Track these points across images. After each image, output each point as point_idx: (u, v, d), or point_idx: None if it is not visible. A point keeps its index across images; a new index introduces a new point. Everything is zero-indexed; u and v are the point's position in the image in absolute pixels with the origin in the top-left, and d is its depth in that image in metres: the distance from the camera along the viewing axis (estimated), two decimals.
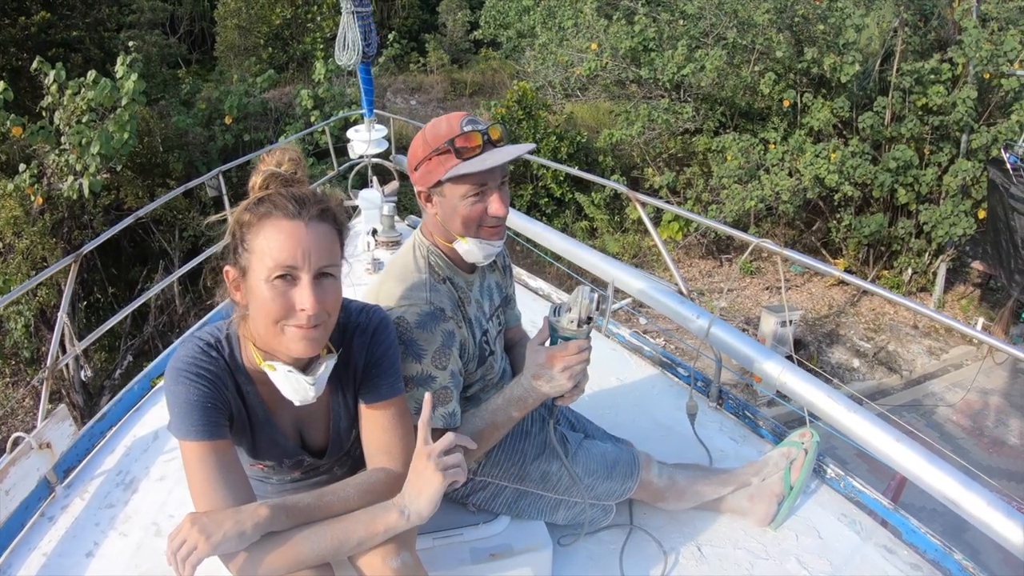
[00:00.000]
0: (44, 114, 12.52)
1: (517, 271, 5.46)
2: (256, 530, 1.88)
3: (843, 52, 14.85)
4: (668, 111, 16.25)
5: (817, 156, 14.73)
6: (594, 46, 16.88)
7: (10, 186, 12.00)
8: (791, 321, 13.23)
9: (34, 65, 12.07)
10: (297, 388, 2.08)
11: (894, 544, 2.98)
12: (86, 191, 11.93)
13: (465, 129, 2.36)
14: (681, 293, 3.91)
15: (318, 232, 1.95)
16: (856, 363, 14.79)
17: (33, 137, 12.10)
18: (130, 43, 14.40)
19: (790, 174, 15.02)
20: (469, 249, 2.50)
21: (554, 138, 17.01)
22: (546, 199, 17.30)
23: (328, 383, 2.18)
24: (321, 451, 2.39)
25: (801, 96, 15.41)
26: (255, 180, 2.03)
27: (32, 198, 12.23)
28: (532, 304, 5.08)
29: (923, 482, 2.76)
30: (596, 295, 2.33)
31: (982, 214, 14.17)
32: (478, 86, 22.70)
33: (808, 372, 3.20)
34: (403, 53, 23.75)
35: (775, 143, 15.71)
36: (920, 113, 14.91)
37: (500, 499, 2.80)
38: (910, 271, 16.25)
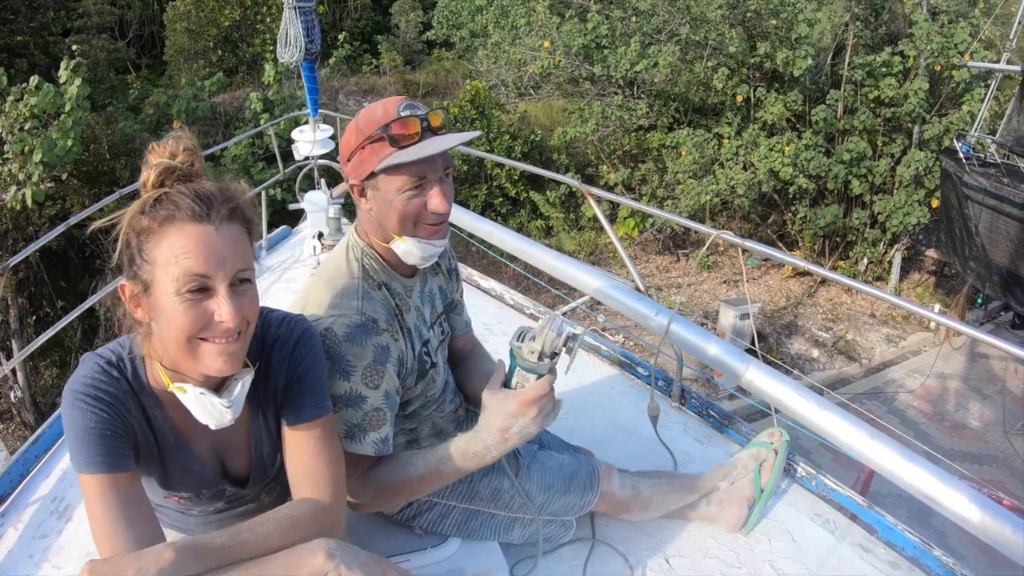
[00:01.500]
0: None
1: (467, 271, 5.28)
2: None
3: (795, 46, 14.96)
4: (622, 108, 16.28)
5: (771, 150, 14.86)
6: (547, 44, 16.86)
7: None
8: (750, 314, 13.20)
9: None
10: (211, 411, 1.83)
11: (870, 543, 2.86)
12: (29, 201, 11.70)
13: (402, 114, 2.09)
14: (639, 290, 3.77)
15: (230, 234, 1.71)
16: (815, 353, 14.85)
17: None
18: (75, 47, 14.20)
19: (745, 168, 15.11)
20: (407, 250, 2.22)
21: (508, 137, 16.96)
22: (501, 199, 17.22)
23: (247, 403, 1.96)
24: (244, 479, 2.13)
25: (754, 91, 15.53)
26: (146, 176, 1.75)
27: None
28: (484, 305, 4.89)
29: (898, 478, 2.64)
30: (566, 332, 2.08)
31: (935, 203, 14.35)
32: (431, 87, 22.53)
33: (773, 368, 3.07)
34: (355, 55, 23.67)
35: (729, 138, 15.77)
36: (872, 105, 15.12)
37: (449, 520, 2.59)
38: (866, 261, 16.42)
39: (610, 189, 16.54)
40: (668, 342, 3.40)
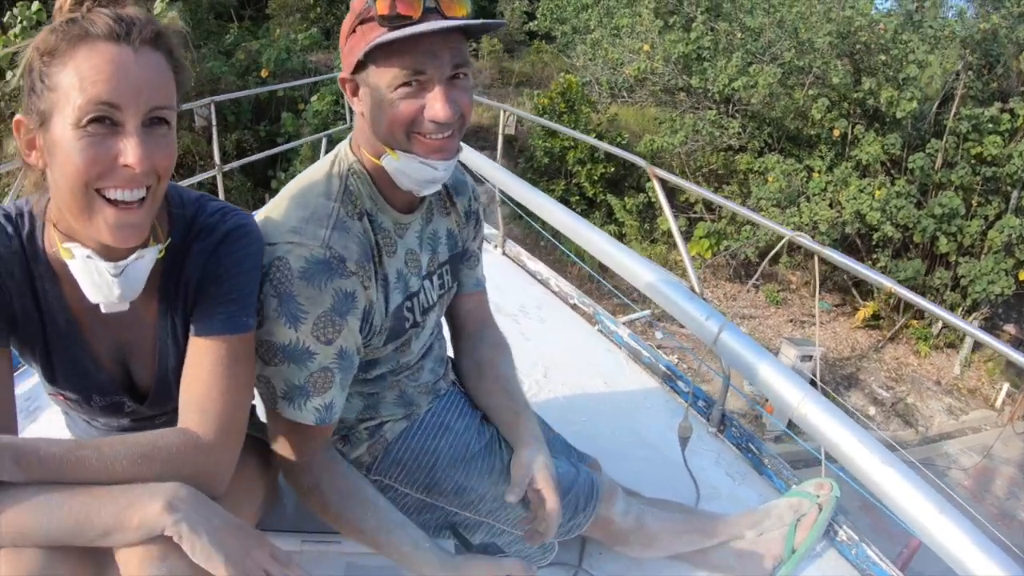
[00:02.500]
0: None
1: (515, 249, 4.87)
2: None
3: (902, 87, 14.43)
4: (714, 124, 15.84)
5: (861, 191, 14.35)
6: (646, 47, 16.41)
7: None
8: (814, 357, 12.68)
9: None
10: (98, 283, 1.46)
11: None
12: None
13: None
14: (693, 291, 3.27)
15: (151, 62, 1.36)
16: (872, 411, 14.23)
17: None
18: None
19: (831, 205, 14.58)
20: (399, 168, 1.74)
21: (594, 135, 16.36)
22: (577, 197, 16.80)
23: (156, 300, 1.61)
24: (148, 395, 1.75)
25: (853, 127, 15.02)
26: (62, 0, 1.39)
27: None
28: (527, 287, 4.45)
29: (962, 566, 2.13)
30: None
31: (1023, 275, 13.64)
32: (526, 77, 22.16)
33: (835, 406, 2.56)
34: None
35: (820, 171, 15.22)
36: (973, 162, 14.61)
37: (399, 506, 2.05)
38: (940, 324, 15.62)
39: (690, 206, 16.13)
40: (715, 354, 2.91)
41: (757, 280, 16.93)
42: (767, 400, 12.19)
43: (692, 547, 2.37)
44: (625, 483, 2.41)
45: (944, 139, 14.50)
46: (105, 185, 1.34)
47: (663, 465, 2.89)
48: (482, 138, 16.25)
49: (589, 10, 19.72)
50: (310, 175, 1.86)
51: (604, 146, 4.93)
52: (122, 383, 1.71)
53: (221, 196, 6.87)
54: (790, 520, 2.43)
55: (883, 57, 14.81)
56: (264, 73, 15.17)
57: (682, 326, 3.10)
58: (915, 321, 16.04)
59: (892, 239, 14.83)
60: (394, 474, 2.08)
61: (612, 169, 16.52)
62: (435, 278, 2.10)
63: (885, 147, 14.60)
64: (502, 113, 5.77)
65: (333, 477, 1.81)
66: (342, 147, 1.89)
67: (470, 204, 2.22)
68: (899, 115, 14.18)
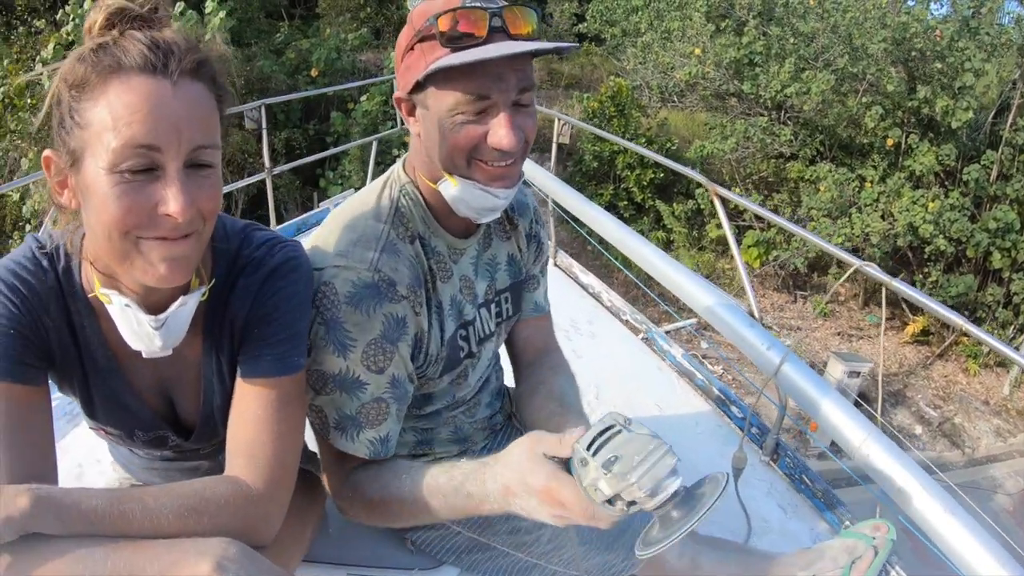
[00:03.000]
0: None
1: (568, 261, 4.79)
2: (8, 526, 1.19)
3: (957, 96, 14.10)
4: (766, 131, 15.66)
5: (914, 203, 14.10)
6: (697, 51, 16.26)
7: None
8: (861, 373, 12.47)
9: None
10: (138, 332, 1.38)
11: None
12: None
13: (467, 4, 1.51)
14: (752, 317, 3.16)
15: (192, 96, 1.24)
16: (919, 430, 13.95)
17: None
18: None
19: (883, 217, 14.32)
20: (457, 196, 1.64)
21: (644, 141, 16.41)
22: (626, 202, 16.77)
23: (202, 338, 1.53)
24: (192, 429, 1.67)
25: (906, 136, 14.75)
26: (94, 19, 1.26)
27: None
28: (578, 301, 4.38)
29: None
30: (675, 485, 1.27)
31: None
32: (575, 79, 22.14)
33: (897, 446, 2.44)
34: None
35: (872, 181, 14.98)
36: None
37: (449, 544, 2.04)
38: None
39: (739, 214, 15.99)
40: (774, 384, 2.82)
41: (805, 292, 16.70)
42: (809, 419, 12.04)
43: None
44: None
45: (1000, 150, 14.24)
46: (145, 235, 1.25)
47: None
48: (535, 142, 16.08)
49: (639, 13, 19.51)
50: (361, 198, 1.77)
51: (658, 158, 4.84)
52: (166, 418, 1.64)
53: (270, 198, 6.88)
54: (844, 563, 2.31)
55: (939, 65, 14.51)
56: (314, 72, 15.27)
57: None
58: (965, 338, 15.71)
59: (944, 253, 14.55)
60: None
61: (661, 175, 16.44)
62: (492, 307, 2.00)
63: (939, 158, 14.35)
64: (556, 122, 5.66)
65: (358, 477, 1.68)
66: (395, 169, 1.81)
67: (531, 227, 2.11)
68: (954, 125, 13.91)
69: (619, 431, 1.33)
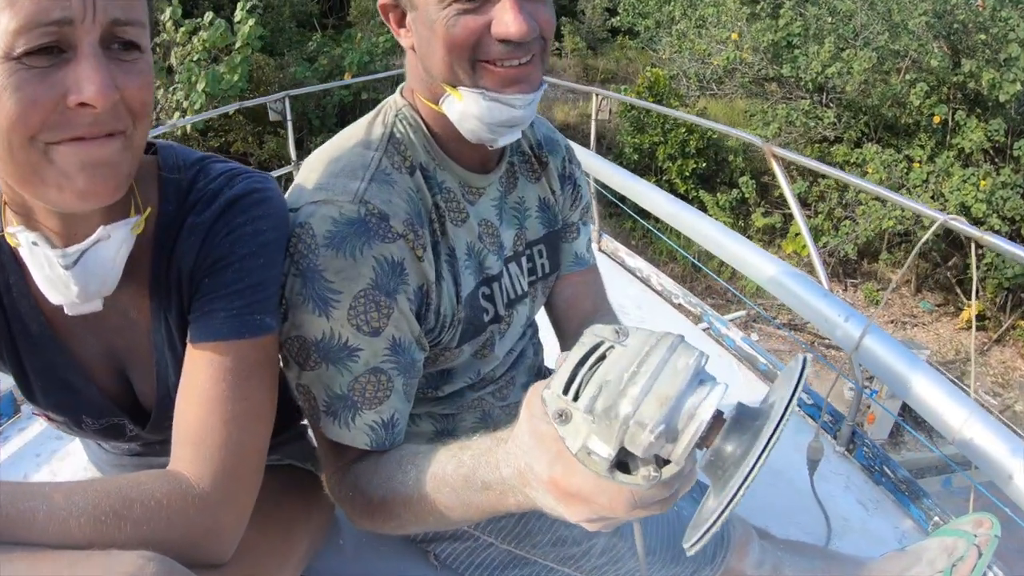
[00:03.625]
0: (158, 50, 12.47)
1: (613, 245, 4.50)
2: None
3: (1004, 68, 13.63)
4: (808, 115, 15.29)
5: (965, 181, 13.67)
6: (734, 36, 15.99)
7: None
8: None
9: None
10: (51, 277, 1.09)
11: None
12: (188, 128, 11.96)
13: None
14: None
15: None
16: None
17: None
18: None
19: (933, 197, 13.93)
20: (465, 111, 1.32)
21: (684, 131, 16.08)
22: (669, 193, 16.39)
23: (149, 297, 1.23)
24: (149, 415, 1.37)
25: (953, 113, 14.30)
26: None
27: None
28: (625, 286, 4.08)
29: None
30: (717, 393, 0.80)
31: None
32: (612, 74, 22.07)
33: (1006, 427, 2.11)
34: None
35: (920, 162, 14.54)
36: None
37: (481, 560, 1.72)
38: None
39: (784, 202, 15.69)
40: (854, 362, 2.51)
41: (855, 280, 16.33)
42: (868, 407, 11.69)
43: None
44: (750, 517, 2.04)
45: None
46: (56, 138, 0.96)
47: (788, 493, 2.51)
48: (570, 137, 15.95)
49: (672, 2, 19.29)
50: (348, 129, 1.47)
51: (713, 124, 4.56)
52: (120, 401, 1.34)
53: None
54: (944, 566, 2.01)
55: (982, 36, 14.04)
56: (347, 76, 15.23)
57: (793, 327, 2.69)
58: (1022, 322, 15.30)
59: (999, 232, 14.14)
60: (482, 521, 1.66)
61: (704, 164, 16.19)
62: (524, 261, 1.68)
63: (988, 133, 13.88)
64: (594, 97, 5.39)
65: (356, 472, 1.33)
66: (392, 97, 1.50)
67: (564, 166, 1.78)
68: (1002, 98, 13.42)
69: (610, 348, 0.85)
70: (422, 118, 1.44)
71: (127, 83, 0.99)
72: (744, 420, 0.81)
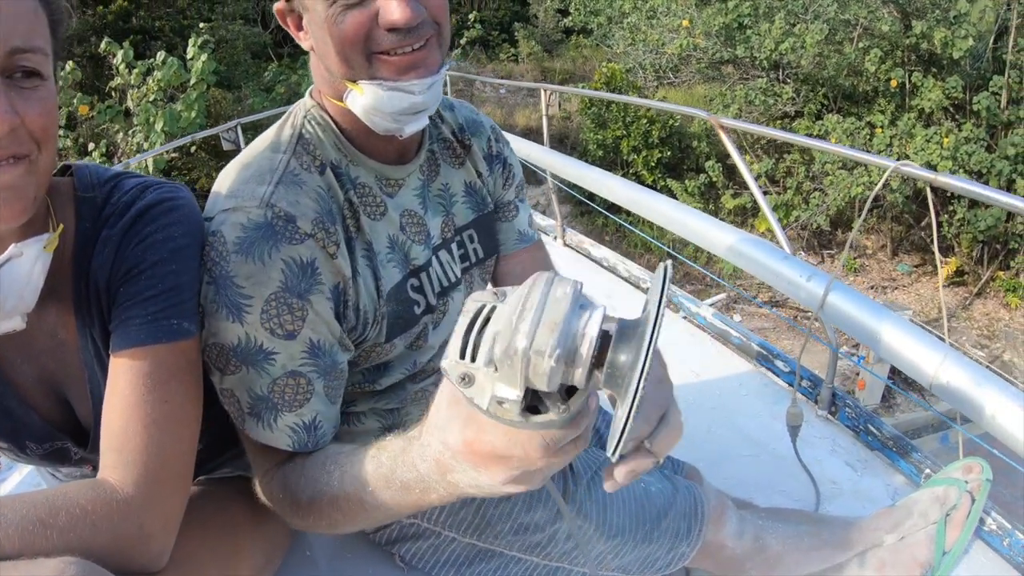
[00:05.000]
0: (113, 95, 12.57)
1: (577, 238, 4.48)
2: None
3: (954, 25, 13.81)
4: (766, 92, 15.50)
5: (928, 141, 13.87)
6: (686, 23, 16.10)
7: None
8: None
9: (102, 45, 11.96)
10: None
11: None
12: (150, 168, 11.41)
13: None
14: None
15: None
16: None
17: (101, 116, 12.06)
18: (202, 26, 14.76)
19: (899, 159, 13.89)
20: (368, 104, 1.33)
21: (645, 121, 16.23)
22: None
23: (74, 314, 1.23)
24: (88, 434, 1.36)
25: (910, 75, 14.46)
26: None
27: None
28: (593, 277, 4.04)
29: None
30: (599, 314, 0.83)
31: None
32: (569, 74, 22.24)
33: (982, 367, 2.06)
34: (494, 44, 23.53)
35: (882, 127, 14.69)
36: None
37: (444, 556, 1.70)
38: None
39: (753, 176, 15.78)
40: (821, 321, 2.49)
41: (831, 250, 16.39)
42: (857, 375, 11.70)
43: (823, 564, 1.94)
44: (731, 491, 2.01)
45: (1007, 74, 13.87)
46: None
47: (772, 462, 2.48)
48: (533, 140, 16.03)
49: None
50: (261, 136, 1.46)
51: (665, 106, 4.56)
52: (61, 425, 1.33)
53: None
54: (937, 516, 1.98)
55: None
56: None
57: (775, 303, 2.68)
58: (1001, 272, 15.36)
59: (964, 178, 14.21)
60: (432, 515, 1.65)
61: (669, 153, 16.31)
62: (454, 248, 1.67)
63: (946, 91, 14.03)
64: (543, 93, 5.34)
65: (285, 473, 1.33)
66: (301, 100, 1.50)
67: (490, 146, 1.77)
68: (956, 55, 13.58)
69: (492, 308, 0.87)
70: (331, 116, 1.44)
71: (27, 110, 1.01)
72: (627, 331, 0.85)
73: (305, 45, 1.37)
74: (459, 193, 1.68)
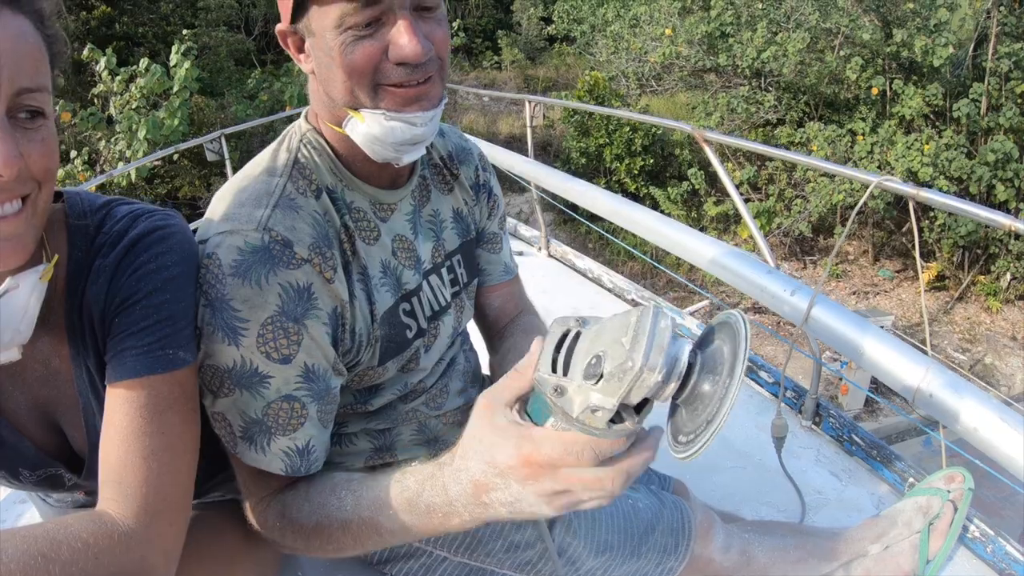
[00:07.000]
0: (96, 101, 12.50)
1: (562, 249, 4.49)
2: None
3: (935, 33, 13.91)
4: (748, 100, 15.49)
5: (909, 148, 13.90)
6: (668, 31, 16.14)
7: (61, 173, 11.71)
8: (887, 327, 12.16)
9: (85, 52, 11.99)
10: None
11: None
12: (133, 176, 11.72)
13: None
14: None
15: (12, 31, 0.99)
16: None
17: (84, 124, 12.04)
18: (185, 33, 14.61)
19: (880, 167, 14.09)
20: (368, 133, 1.33)
21: (628, 129, 16.23)
22: (620, 194, 16.39)
23: (68, 344, 1.22)
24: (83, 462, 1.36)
25: (890, 83, 14.54)
26: None
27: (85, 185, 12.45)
28: (577, 289, 4.02)
29: None
30: (689, 345, 0.99)
31: None
32: (552, 81, 22.29)
33: (966, 380, 2.08)
34: (478, 51, 23.62)
35: (863, 134, 14.70)
36: (1020, 101, 13.99)
37: (436, 575, 1.72)
38: (1009, 276, 15.00)
39: (736, 187, 15.80)
40: (806, 335, 2.51)
41: (813, 257, 16.44)
42: (841, 379, 11.73)
43: (810, 575, 1.98)
44: (717, 504, 2.04)
45: (986, 81, 13.92)
46: None
47: (757, 473, 2.51)
48: (516, 148, 16.04)
49: (605, 5, 19.44)
50: (257, 157, 1.47)
51: (644, 118, 4.58)
52: (55, 452, 1.33)
53: None
54: (921, 526, 2.02)
55: (911, 5, 14.33)
56: (288, 109, 15.17)
57: (757, 310, 2.69)
58: (982, 277, 15.43)
59: (947, 193, 14.24)
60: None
61: (651, 161, 16.35)
62: (444, 272, 1.68)
63: (927, 99, 14.09)
64: (527, 104, 5.35)
65: (284, 500, 1.35)
66: (296, 122, 1.50)
67: (477, 174, 1.79)
68: (936, 63, 13.67)
69: (578, 334, 1.03)
70: (327, 141, 1.44)
71: (31, 151, 1.01)
72: (709, 359, 1.00)
73: (306, 68, 1.37)
74: (448, 219, 1.70)
